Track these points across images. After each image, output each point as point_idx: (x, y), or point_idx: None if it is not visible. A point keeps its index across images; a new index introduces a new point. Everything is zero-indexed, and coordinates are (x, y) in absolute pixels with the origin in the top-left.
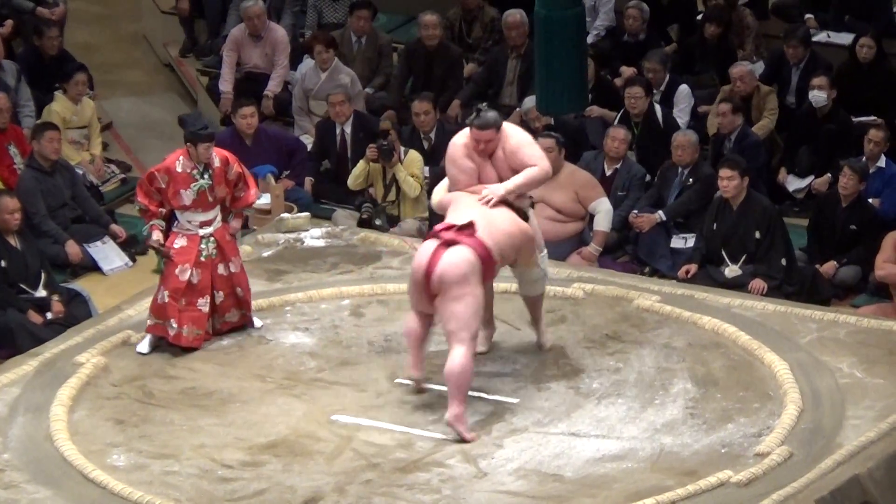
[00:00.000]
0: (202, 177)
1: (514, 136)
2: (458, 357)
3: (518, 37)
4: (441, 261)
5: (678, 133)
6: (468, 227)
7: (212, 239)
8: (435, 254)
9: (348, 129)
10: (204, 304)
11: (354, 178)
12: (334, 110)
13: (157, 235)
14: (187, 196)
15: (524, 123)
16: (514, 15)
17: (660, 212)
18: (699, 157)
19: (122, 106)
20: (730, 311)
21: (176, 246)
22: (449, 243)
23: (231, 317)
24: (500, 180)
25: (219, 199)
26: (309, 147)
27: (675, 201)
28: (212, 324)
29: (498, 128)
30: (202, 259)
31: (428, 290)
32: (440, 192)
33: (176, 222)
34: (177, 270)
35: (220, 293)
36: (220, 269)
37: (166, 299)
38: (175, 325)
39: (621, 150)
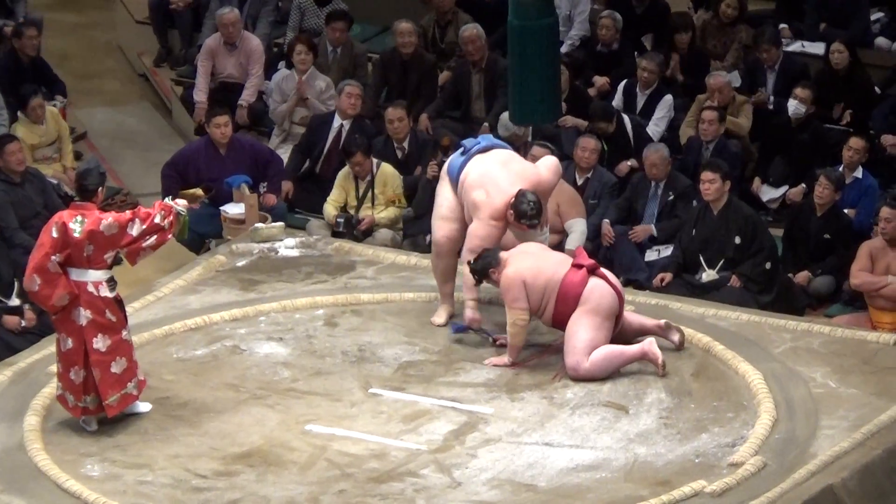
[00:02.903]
0: None
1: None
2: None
3: (475, 51)
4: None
5: (649, 150)
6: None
7: None
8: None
9: (347, 126)
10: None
11: (328, 217)
12: (349, 101)
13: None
14: None
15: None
16: (471, 30)
17: (652, 226)
18: (671, 169)
19: (97, 116)
20: (704, 320)
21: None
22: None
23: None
24: None
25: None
26: (284, 158)
27: (668, 222)
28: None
29: None
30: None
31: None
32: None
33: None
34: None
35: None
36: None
37: (126, 364)
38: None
39: (592, 160)
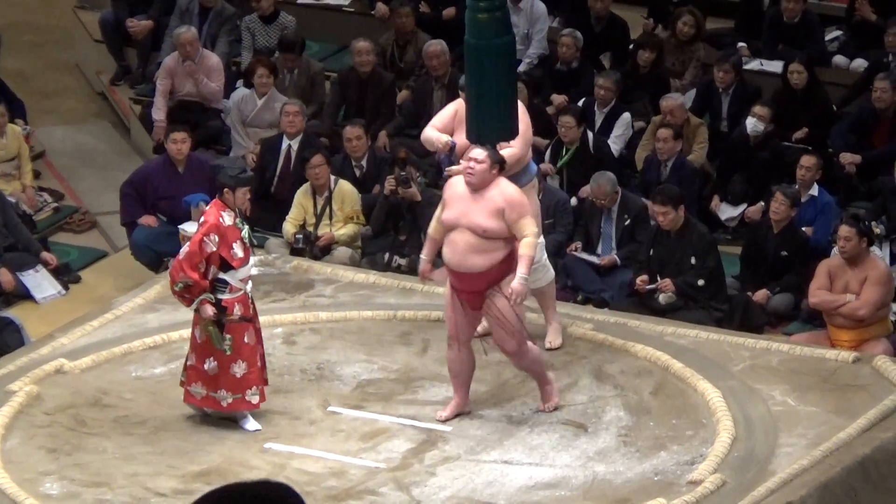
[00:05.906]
0: (243, 225)
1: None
2: None
3: (439, 66)
4: None
5: (597, 181)
6: None
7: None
8: None
9: (295, 146)
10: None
11: (287, 235)
12: (287, 119)
13: (212, 310)
14: (240, 250)
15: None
16: (435, 45)
17: (615, 256)
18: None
19: (55, 134)
20: (663, 338)
21: (237, 312)
22: None
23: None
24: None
25: None
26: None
27: (630, 247)
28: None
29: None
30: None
31: None
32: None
33: (224, 287)
34: (245, 338)
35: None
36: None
37: (245, 370)
38: (256, 391)
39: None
